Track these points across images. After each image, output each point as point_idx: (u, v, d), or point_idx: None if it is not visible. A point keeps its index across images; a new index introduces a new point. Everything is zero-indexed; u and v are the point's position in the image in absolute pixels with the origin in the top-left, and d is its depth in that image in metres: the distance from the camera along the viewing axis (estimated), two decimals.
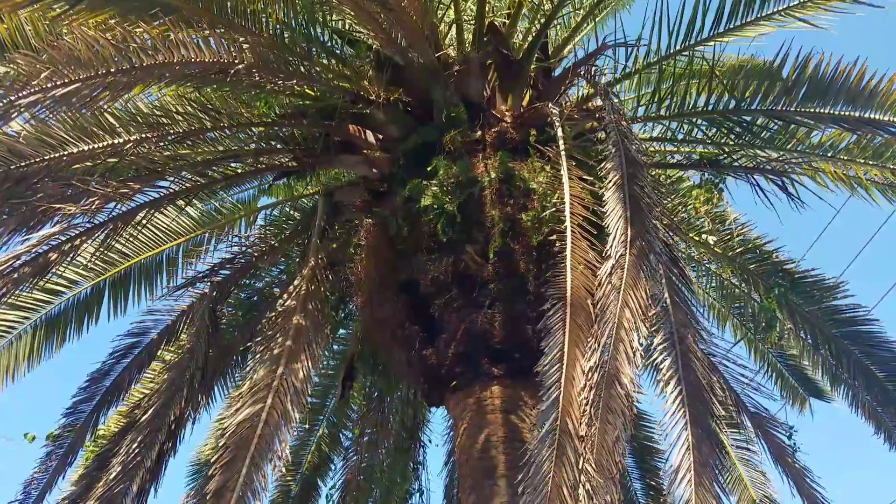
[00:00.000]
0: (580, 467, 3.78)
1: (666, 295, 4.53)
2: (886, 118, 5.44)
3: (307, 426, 8.16)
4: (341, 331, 7.96)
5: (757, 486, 8.00)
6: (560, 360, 4.10)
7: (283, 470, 8.02)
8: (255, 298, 7.12)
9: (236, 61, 4.85)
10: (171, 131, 5.53)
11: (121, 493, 5.28)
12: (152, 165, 5.57)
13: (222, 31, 4.90)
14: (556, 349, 4.17)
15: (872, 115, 5.47)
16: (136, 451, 5.38)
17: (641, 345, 4.14)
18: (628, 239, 4.44)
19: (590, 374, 4.00)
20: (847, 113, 5.53)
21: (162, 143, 5.59)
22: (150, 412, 5.64)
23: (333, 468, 8.09)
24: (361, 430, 7.57)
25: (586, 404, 3.91)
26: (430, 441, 8.12)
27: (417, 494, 7.48)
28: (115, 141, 5.12)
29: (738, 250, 7.26)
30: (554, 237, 4.86)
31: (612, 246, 4.43)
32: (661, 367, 4.31)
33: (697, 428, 4.05)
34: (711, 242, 6.58)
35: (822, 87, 5.50)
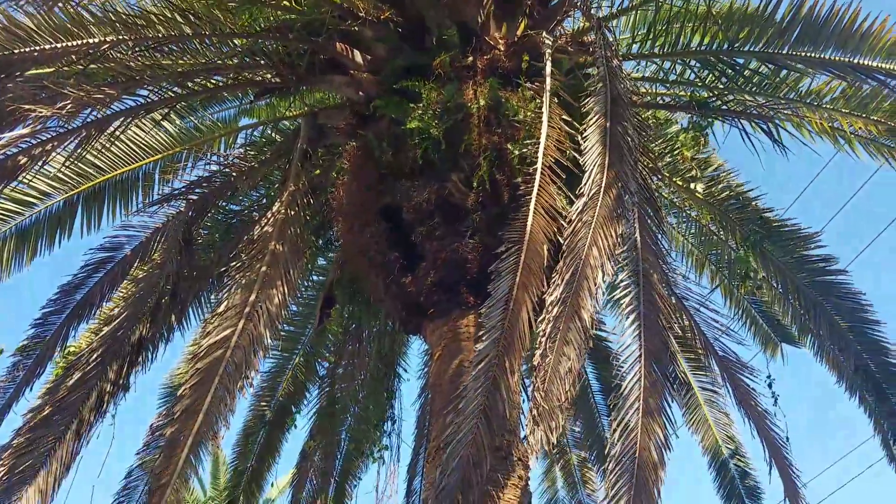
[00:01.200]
0: (529, 395, 3.86)
1: (637, 235, 4.53)
2: (875, 64, 5.43)
3: (285, 354, 8.17)
4: (321, 261, 7.92)
5: (720, 427, 8.26)
6: (506, 303, 4.14)
7: (257, 393, 8.12)
8: (234, 220, 7.00)
9: None
10: (150, 36, 5.30)
11: (79, 401, 5.24)
12: (130, 72, 5.35)
13: None
14: (503, 292, 4.21)
15: (862, 61, 5.45)
16: (97, 360, 5.31)
17: (606, 283, 4.18)
18: (604, 177, 4.44)
19: (550, 308, 4.03)
20: (837, 58, 5.52)
21: (140, 48, 5.38)
22: (113, 324, 5.55)
23: (309, 396, 8.15)
24: (338, 359, 7.59)
25: (543, 336, 3.95)
26: (405, 372, 8.24)
27: (389, 422, 7.58)
28: (90, 41, 4.88)
29: (720, 196, 7.29)
30: (525, 179, 4.81)
31: (586, 184, 4.41)
32: (622, 302, 4.35)
33: (652, 363, 4.11)
34: (700, 190, 6.57)
35: (814, 30, 5.46)
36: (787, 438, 7.28)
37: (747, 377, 7.53)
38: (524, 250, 4.41)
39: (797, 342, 8.19)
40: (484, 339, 4.11)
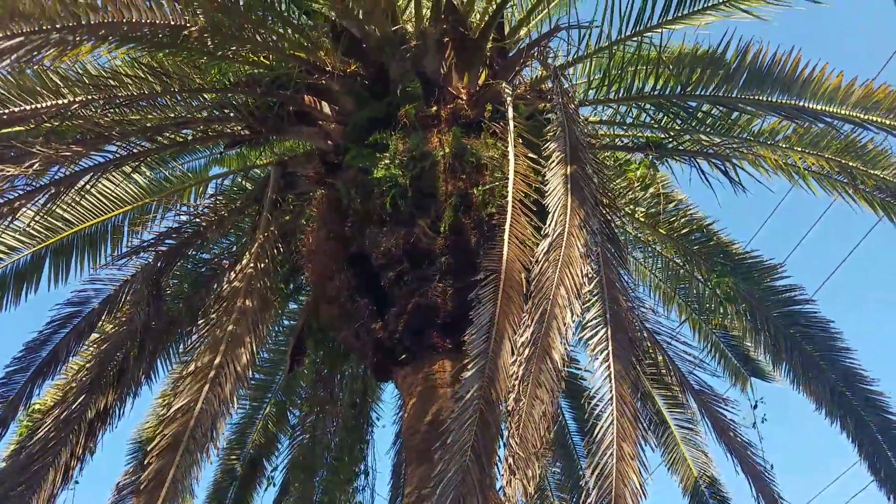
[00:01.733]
0: (504, 440, 3.87)
1: (602, 274, 4.64)
2: (819, 107, 5.70)
3: (254, 404, 8.10)
4: (292, 305, 7.92)
5: (699, 465, 8.27)
6: (489, 330, 4.18)
7: (226, 446, 7.99)
8: (203, 269, 7.02)
9: (188, 25, 4.76)
10: (120, 94, 5.40)
11: (44, 468, 5.14)
12: (98, 129, 5.43)
13: None
14: (486, 319, 4.25)
15: (806, 104, 5.72)
16: (61, 427, 5.24)
17: (574, 322, 4.26)
18: (567, 218, 4.55)
19: (521, 349, 4.06)
20: (783, 101, 5.78)
21: (110, 107, 5.46)
22: (80, 387, 5.50)
23: (280, 447, 8.05)
24: (309, 407, 7.54)
25: (515, 380, 3.97)
26: (378, 419, 8.19)
27: (364, 475, 7.49)
28: (60, 102, 4.96)
29: (683, 231, 7.50)
30: (498, 211, 4.94)
31: (551, 224, 4.52)
32: (591, 342, 4.42)
33: (624, 406, 4.16)
34: (651, 224, 6.76)
35: (760, 75, 5.74)
36: (772, 466, 7.29)
37: (726, 410, 7.61)
38: (503, 278, 4.47)
39: (767, 376, 8.33)
40: (469, 368, 4.09)
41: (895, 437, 6.76)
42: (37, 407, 6.57)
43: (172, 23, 4.73)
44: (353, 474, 7.59)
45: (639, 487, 4.20)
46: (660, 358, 7.46)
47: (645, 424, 4.39)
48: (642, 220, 7.30)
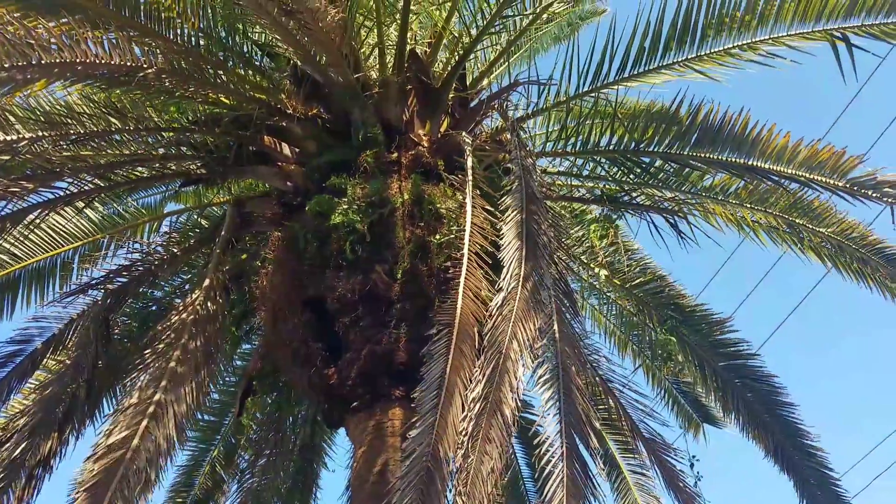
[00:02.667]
0: (452, 498, 3.84)
1: (555, 328, 4.68)
2: (767, 165, 5.91)
3: (202, 446, 7.89)
4: (246, 346, 7.79)
5: None
6: (440, 386, 4.16)
7: (173, 488, 7.75)
8: (154, 308, 6.87)
9: (144, 66, 4.74)
10: (73, 131, 5.32)
11: None
12: (49, 165, 5.33)
13: (133, 34, 4.78)
14: (436, 374, 4.23)
15: (755, 163, 5.93)
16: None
17: (526, 376, 4.28)
18: (521, 273, 4.57)
19: (472, 405, 4.05)
20: (733, 159, 5.99)
21: (62, 143, 5.37)
22: (20, 432, 5.29)
23: (228, 490, 7.82)
24: (259, 451, 7.37)
25: (465, 436, 3.95)
26: (332, 463, 8.03)
27: None
28: (9, 137, 4.87)
29: (636, 280, 7.64)
30: (453, 264, 4.96)
31: (505, 278, 4.55)
32: (543, 397, 4.43)
33: (573, 461, 4.17)
34: (603, 277, 6.89)
35: (711, 134, 5.94)
36: None
37: (674, 459, 7.70)
38: (455, 333, 4.45)
39: (718, 422, 8.46)
40: (418, 425, 4.05)
41: (831, 493, 6.91)
42: None
43: (129, 64, 4.70)
44: None
45: None
46: (612, 403, 7.52)
47: (595, 477, 4.34)
48: (597, 269, 7.41)
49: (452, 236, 5.24)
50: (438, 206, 5.63)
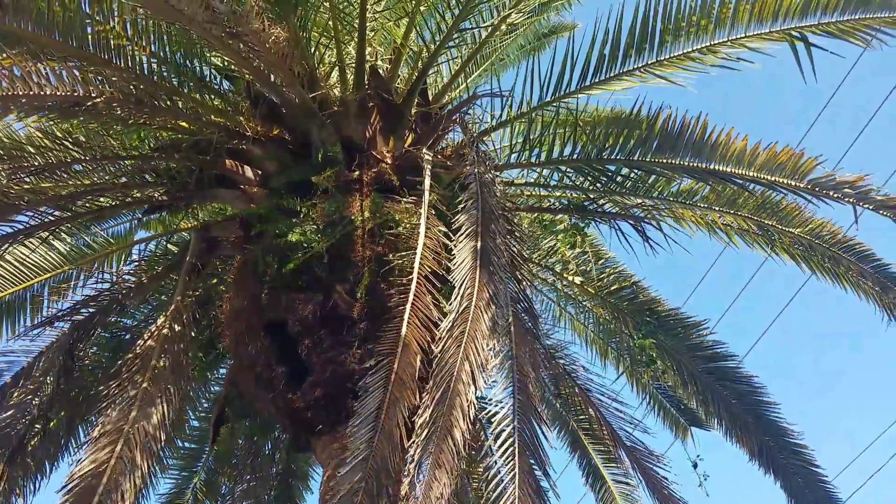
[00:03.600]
0: None
1: (513, 345, 4.59)
2: (728, 169, 5.87)
3: (184, 473, 7.82)
4: (223, 370, 7.74)
5: None
6: (375, 418, 4.07)
7: None
8: (125, 336, 6.83)
9: (93, 95, 4.74)
10: (30, 163, 5.32)
11: None
12: (6, 198, 5.32)
13: (79, 64, 4.78)
14: (372, 408, 4.14)
15: (717, 167, 5.89)
16: None
17: (478, 398, 4.19)
18: (475, 292, 4.46)
19: (420, 431, 3.96)
20: (695, 164, 5.95)
21: (20, 175, 5.37)
22: None
23: None
24: (238, 477, 7.30)
25: (411, 463, 3.88)
26: (314, 485, 7.96)
27: None
28: None
29: (611, 288, 7.58)
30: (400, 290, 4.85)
31: (455, 299, 4.44)
32: (496, 419, 4.34)
33: (526, 484, 4.08)
34: (577, 284, 6.84)
35: (671, 140, 5.91)
36: None
37: (658, 466, 7.61)
38: (397, 362, 4.35)
39: (705, 424, 8.37)
40: (349, 461, 3.96)
41: (819, 490, 6.80)
42: None
43: (76, 94, 4.69)
44: None
45: None
46: (592, 413, 7.44)
47: (547, 496, 4.25)
48: (570, 278, 7.36)
49: (405, 260, 5.15)
50: (399, 223, 5.59)
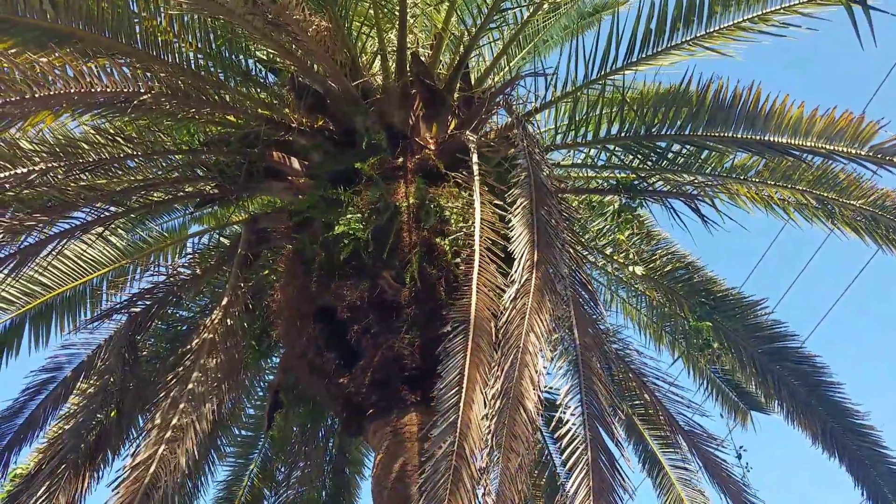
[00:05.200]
0: (481, 498, 3.73)
1: (573, 320, 4.53)
2: (784, 140, 5.62)
3: (240, 461, 8.00)
4: (276, 359, 7.86)
5: None
6: (459, 383, 4.05)
7: None
8: (183, 328, 7.01)
9: (142, 90, 4.84)
10: (85, 160, 5.47)
11: None
12: (64, 196, 5.49)
13: (128, 61, 4.89)
14: (455, 372, 4.13)
15: (771, 138, 5.65)
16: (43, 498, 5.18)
17: (545, 369, 4.15)
18: (534, 264, 4.45)
19: (493, 402, 3.93)
20: (749, 136, 5.72)
21: (75, 172, 5.53)
22: (58, 455, 5.45)
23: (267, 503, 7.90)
24: (293, 463, 7.42)
25: (488, 433, 3.84)
26: (368, 472, 8.02)
27: None
28: (21, 171, 5.04)
29: (665, 269, 7.40)
30: (465, 261, 4.87)
31: (517, 271, 4.43)
32: (563, 389, 4.29)
33: (598, 453, 4.02)
34: (639, 273, 6.67)
35: (723, 112, 5.69)
36: None
37: (717, 449, 7.41)
38: (472, 328, 4.34)
39: (765, 408, 8.12)
40: (439, 424, 3.95)
41: (888, 470, 6.51)
42: (19, 471, 6.53)
43: (126, 90, 4.80)
44: None
45: None
46: (648, 398, 7.29)
47: (622, 468, 4.15)
48: (622, 260, 7.21)
49: (461, 234, 5.15)
50: (445, 207, 5.57)
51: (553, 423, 6.62)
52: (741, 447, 7.41)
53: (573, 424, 4.22)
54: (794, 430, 7.26)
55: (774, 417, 7.93)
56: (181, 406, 4.85)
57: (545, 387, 4.76)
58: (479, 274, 4.68)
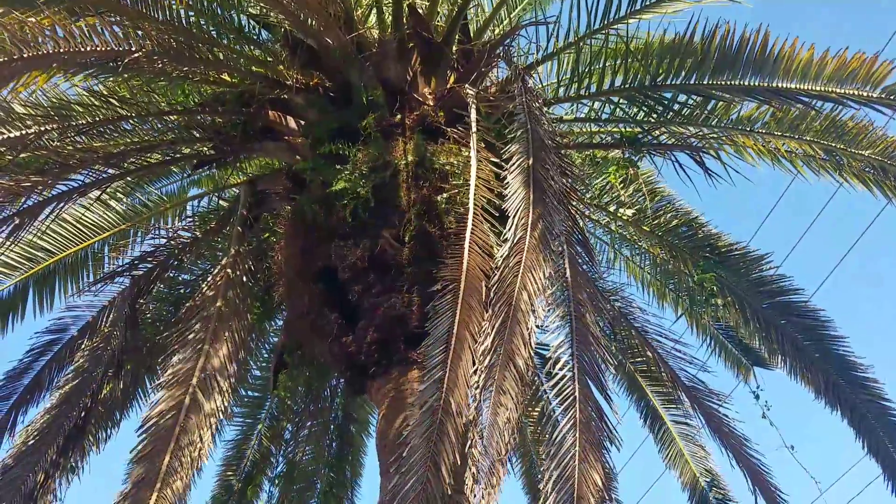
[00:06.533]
0: (466, 451, 3.77)
1: (568, 275, 4.50)
2: (793, 85, 5.46)
3: (248, 421, 8.09)
4: (279, 321, 7.89)
5: (697, 460, 8.10)
6: (447, 340, 4.07)
7: (224, 463, 8.00)
8: (184, 291, 7.02)
9: (132, 49, 4.73)
10: (79, 122, 5.40)
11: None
12: (60, 158, 5.44)
13: (118, 19, 4.77)
14: (444, 330, 4.13)
15: (780, 84, 5.49)
16: (46, 454, 5.27)
17: (538, 327, 4.14)
18: (529, 221, 4.40)
19: (482, 358, 3.95)
20: (756, 83, 5.56)
21: (69, 135, 5.47)
22: (63, 415, 5.52)
23: (275, 462, 8.01)
24: (300, 423, 7.51)
25: (476, 389, 3.87)
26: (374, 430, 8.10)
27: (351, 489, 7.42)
28: (15, 133, 4.98)
29: (669, 226, 7.32)
30: (458, 219, 4.82)
31: (511, 228, 4.39)
32: (553, 343, 4.29)
33: (587, 405, 4.04)
34: (630, 216, 6.59)
35: (729, 59, 5.53)
36: (793, 447, 7.06)
37: (719, 405, 7.44)
38: (462, 286, 4.35)
39: (768, 364, 8.10)
40: (426, 380, 4.01)
41: (891, 424, 6.51)
42: (28, 429, 6.63)
43: (117, 48, 4.70)
44: (347, 486, 7.54)
45: (603, 490, 4.08)
46: (650, 355, 7.29)
47: (610, 421, 4.19)
48: (625, 217, 7.12)
49: (457, 192, 5.09)
50: (444, 163, 5.48)
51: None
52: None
53: (564, 378, 4.23)
54: (796, 389, 7.25)
55: (777, 373, 7.94)
56: (189, 363, 4.88)
57: (540, 343, 4.80)
58: (471, 233, 4.65)
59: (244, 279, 5.89)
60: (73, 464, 5.71)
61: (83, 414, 5.48)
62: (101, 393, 5.65)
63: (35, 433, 5.74)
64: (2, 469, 5.60)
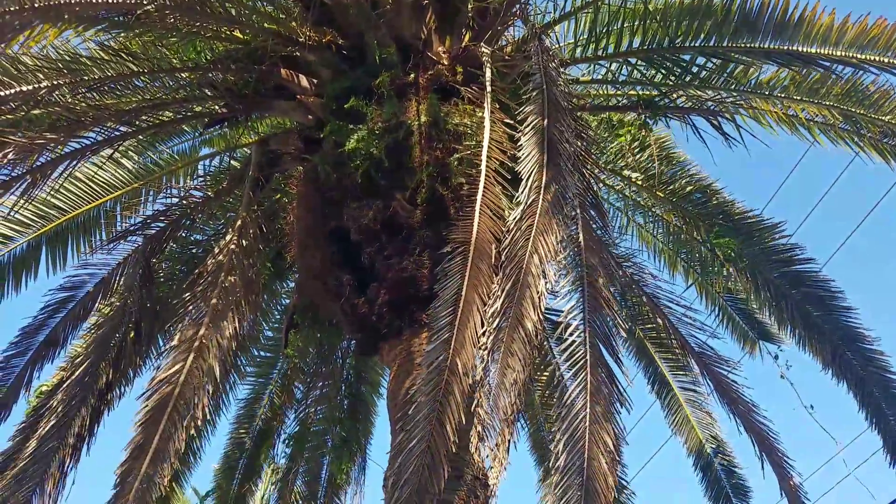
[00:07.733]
0: (472, 410, 3.79)
1: (581, 240, 4.47)
2: (814, 50, 5.37)
3: (260, 380, 8.18)
4: (291, 283, 7.92)
5: (703, 426, 8.16)
6: (455, 302, 4.07)
7: (236, 421, 8.12)
8: (197, 251, 7.03)
9: (144, 2, 4.66)
10: (88, 77, 5.35)
11: (51, 451, 5.26)
12: (73, 114, 5.40)
13: None
14: (452, 292, 4.13)
15: (800, 48, 5.40)
16: (64, 412, 5.34)
17: (549, 292, 4.13)
18: (542, 184, 4.36)
19: (492, 320, 3.95)
20: (776, 46, 5.47)
21: (81, 91, 5.42)
22: (79, 371, 5.58)
23: (287, 420, 8.12)
24: (311, 383, 7.58)
25: (485, 350, 3.88)
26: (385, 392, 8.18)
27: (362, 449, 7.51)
28: (26, 88, 4.93)
29: (683, 192, 7.24)
30: (469, 181, 4.78)
31: (524, 191, 4.35)
32: (565, 308, 4.29)
33: (599, 368, 4.05)
34: (640, 179, 6.53)
35: (750, 21, 5.44)
36: (812, 406, 7.12)
37: (728, 371, 7.45)
38: (472, 249, 4.35)
39: (775, 339, 8.07)
40: (433, 340, 4.03)
41: (892, 395, 6.51)
42: (43, 388, 6.72)
43: (129, 1, 4.63)
44: (358, 444, 7.65)
45: (614, 451, 4.12)
46: (660, 322, 7.28)
47: (621, 385, 4.21)
48: (640, 183, 7.05)
49: (470, 153, 5.03)
50: (457, 124, 5.41)
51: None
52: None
53: (575, 342, 4.24)
54: (795, 378, 7.25)
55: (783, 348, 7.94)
56: (202, 321, 4.89)
57: (550, 308, 4.79)
58: (483, 195, 4.62)
59: (255, 243, 5.87)
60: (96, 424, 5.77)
61: (100, 377, 5.51)
62: (118, 354, 5.67)
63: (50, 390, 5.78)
64: (24, 428, 5.68)
